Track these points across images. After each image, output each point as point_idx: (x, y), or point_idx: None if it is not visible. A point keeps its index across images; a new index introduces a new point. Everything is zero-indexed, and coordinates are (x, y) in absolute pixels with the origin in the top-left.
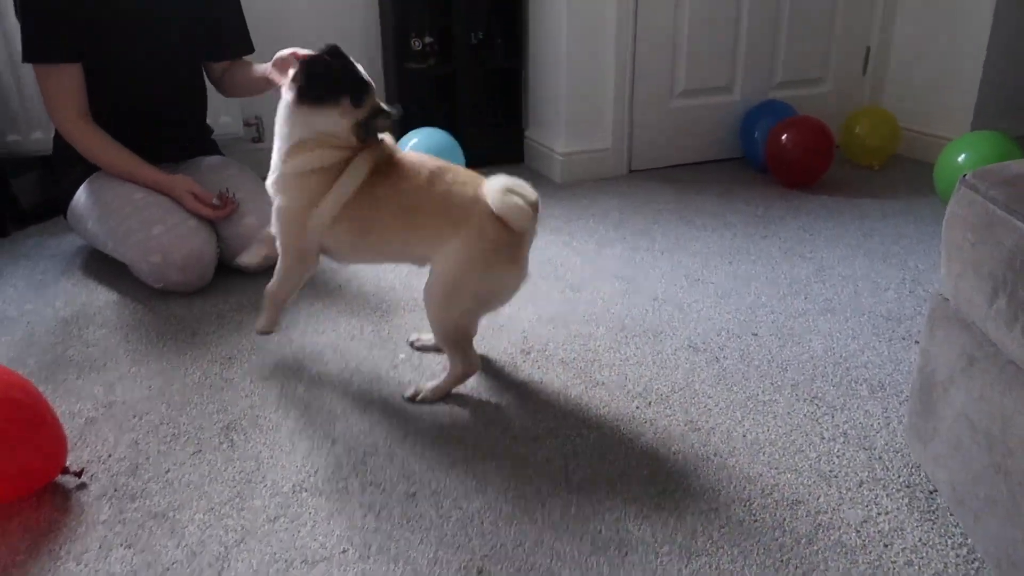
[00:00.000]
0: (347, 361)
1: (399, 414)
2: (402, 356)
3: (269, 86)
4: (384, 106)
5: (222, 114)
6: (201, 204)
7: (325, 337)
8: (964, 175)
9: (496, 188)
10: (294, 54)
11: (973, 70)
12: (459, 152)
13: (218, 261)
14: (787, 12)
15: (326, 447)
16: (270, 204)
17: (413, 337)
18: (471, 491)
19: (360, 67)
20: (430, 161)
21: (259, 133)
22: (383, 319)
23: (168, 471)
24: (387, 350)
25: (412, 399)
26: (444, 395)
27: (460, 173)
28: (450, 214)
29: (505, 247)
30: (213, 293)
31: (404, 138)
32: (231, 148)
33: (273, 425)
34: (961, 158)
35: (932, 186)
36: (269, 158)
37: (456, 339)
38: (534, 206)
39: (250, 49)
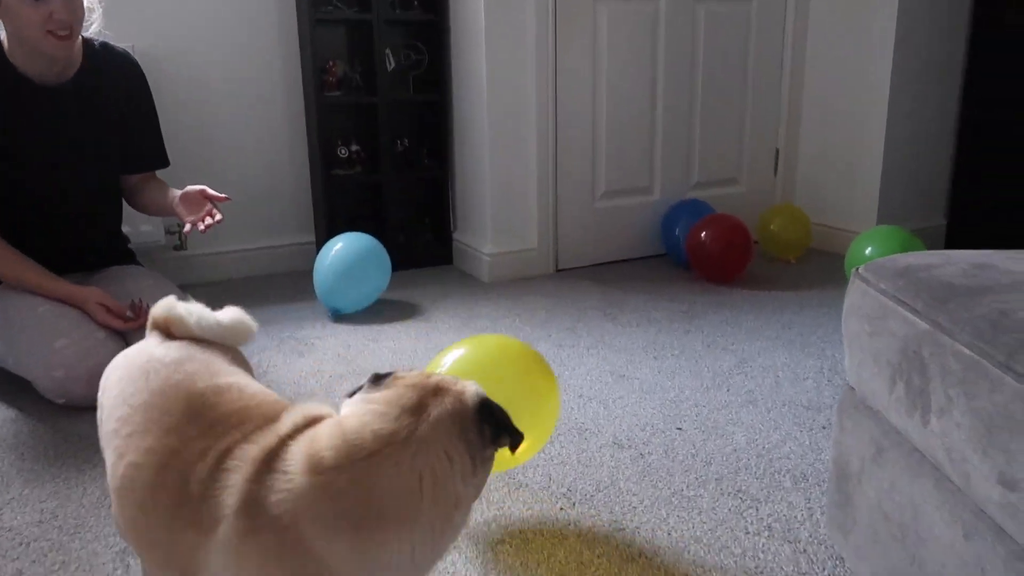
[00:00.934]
0: None
1: None
2: None
3: (175, 214)
4: None
5: (142, 222)
6: (112, 316)
7: None
8: (857, 268)
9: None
10: (202, 192)
11: (873, 168)
12: (384, 256)
13: None
14: (699, 116)
15: None
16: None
17: None
18: None
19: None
20: None
21: (181, 241)
22: None
23: None
24: None
25: None
26: None
27: None
28: None
29: None
30: None
31: (329, 243)
32: (152, 257)
33: None
34: (868, 251)
35: (844, 277)
36: (191, 266)
37: None
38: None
39: (164, 163)
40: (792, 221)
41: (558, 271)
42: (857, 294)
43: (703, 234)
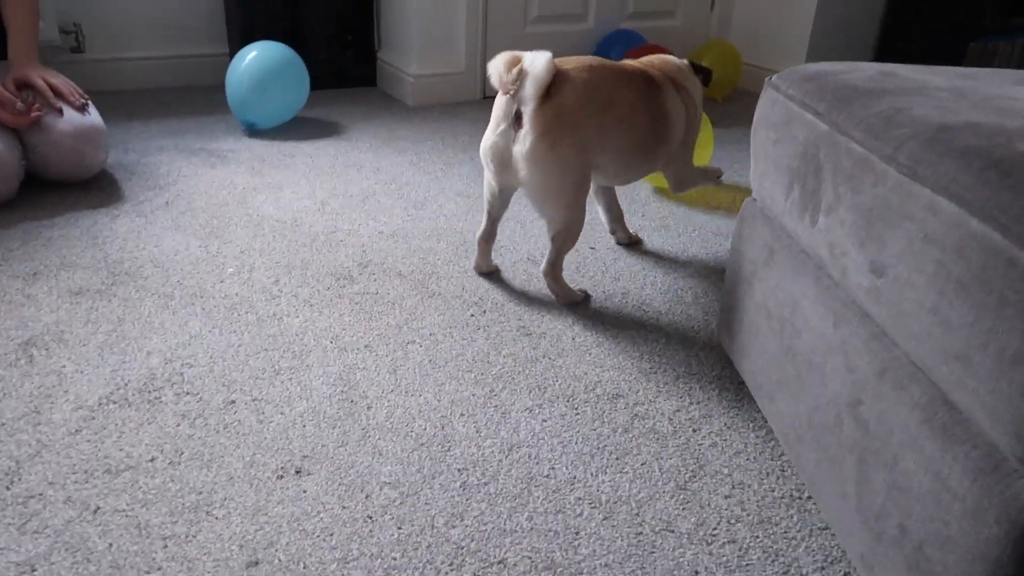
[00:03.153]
0: (169, 275)
1: (222, 327)
2: (230, 270)
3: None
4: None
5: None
6: (1, 109)
7: (146, 252)
8: (769, 78)
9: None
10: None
11: (807, 8)
12: (303, 69)
13: (26, 174)
14: None
15: (139, 359)
16: (82, 110)
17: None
18: (294, 397)
19: None
20: None
21: (79, 43)
22: (212, 235)
23: None
24: (214, 265)
25: None
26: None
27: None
28: None
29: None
30: (19, 207)
31: (242, 51)
32: (46, 59)
33: (80, 340)
34: None
35: None
36: (90, 72)
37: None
38: (508, 66)
39: None
40: (724, 58)
41: (485, 98)
42: (767, 103)
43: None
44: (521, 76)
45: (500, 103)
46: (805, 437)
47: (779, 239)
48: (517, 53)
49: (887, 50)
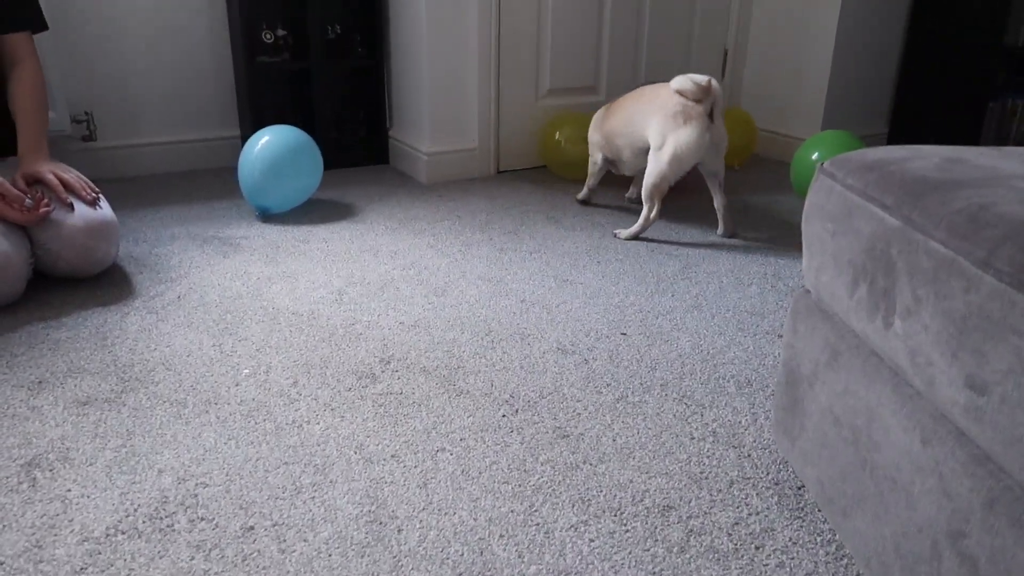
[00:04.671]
0: (181, 380)
1: (239, 437)
2: (246, 372)
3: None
4: None
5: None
6: (9, 207)
7: (157, 354)
8: (821, 164)
9: (677, 78)
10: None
11: (821, 74)
12: (316, 152)
13: (33, 272)
14: (648, 15)
15: (150, 479)
16: (93, 204)
17: (630, 192)
18: (318, 520)
19: None
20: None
21: (90, 131)
22: (226, 332)
23: None
24: (229, 366)
25: (624, 237)
26: (636, 236)
27: (652, 87)
28: (649, 103)
29: (680, 112)
30: (25, 306)
31: (255, 136)
32: (55, 148)
33: (87, 458)
34: (815, 156)
35: (789, 184)
36: (102, 159)
37: (653, 185)
38: (703, 84)
39: (36, 24)
40: (738, 125)
41: (500, 172)
42: (821, 192)
43: None
44: (713, 90)
45: (699, 113)
46: (892, 567)
47: (844, 339)
48: (697, 77)
49: (903, 112)
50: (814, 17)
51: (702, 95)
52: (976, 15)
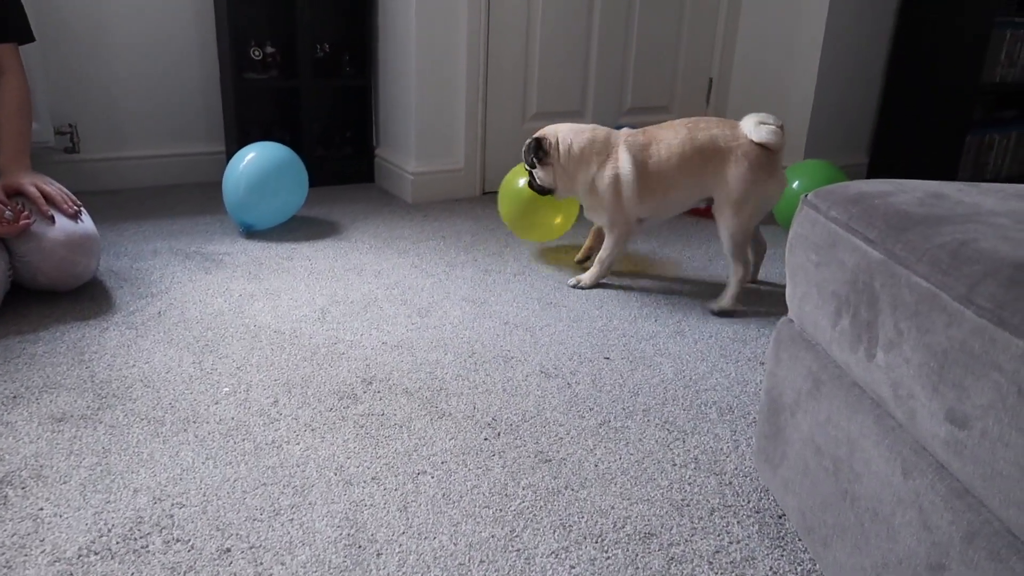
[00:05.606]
0: (160, 397)
1: (217, 457)
2: (226, 390)
3: None
4: None
5: None
6: None
7: (136, 370)
8: (805, 196)
9: (751, 123)
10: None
11: (804, 105)
12: (302, 169)
13: (11, 284)
14: (635, 40)
15: (125, 499)
16: (74, 218)
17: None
18: (296, 543)
19: None
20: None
21: (73, 143)
22: (207, 349)
23: None
24: (208, 384)
25: (718, 312)
26: (736, 298)
27: (711, 121)
28: (719, 152)
29: (766, 163)
30: (1, 321)
31: (240, 152)
32: (38, 160)
33: (61, 476)
34: (795, 184)
35: (770, 212)
36: (85, 172)
37: (742, 242)
38: (781, 128)
39: (22, 36)
40: None
41: (485, 193)
42: (806, 223)
43: None
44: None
45: (779, 163)
46: None
47: (826, 369)
48: (773, 125)
49: (883, 144)
50: (798, 48)
51: (783, 144)
52: (956, 52)
